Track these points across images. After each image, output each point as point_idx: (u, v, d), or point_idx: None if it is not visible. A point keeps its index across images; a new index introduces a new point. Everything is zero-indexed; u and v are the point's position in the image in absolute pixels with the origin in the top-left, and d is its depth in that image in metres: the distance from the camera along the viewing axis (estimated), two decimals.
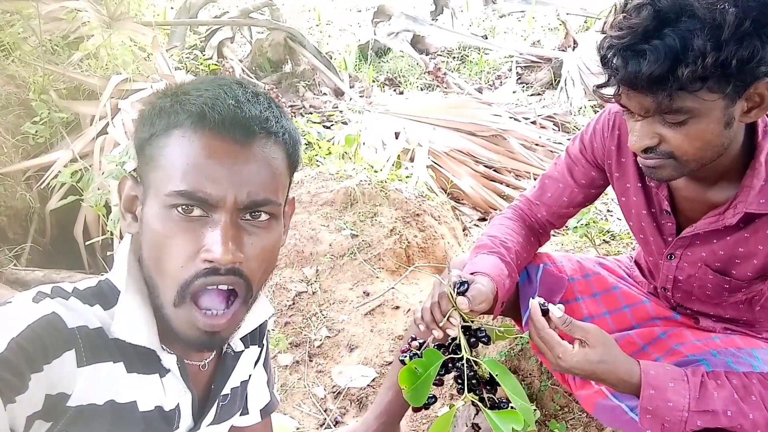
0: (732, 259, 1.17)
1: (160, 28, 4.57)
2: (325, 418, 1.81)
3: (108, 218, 2.54)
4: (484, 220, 3.51)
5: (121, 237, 2.68)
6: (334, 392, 1.89)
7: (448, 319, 1.10)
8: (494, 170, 3.91)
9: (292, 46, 5.15)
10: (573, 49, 5.36)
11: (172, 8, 6.49)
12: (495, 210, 3.55)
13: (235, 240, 0.72)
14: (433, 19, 6.02)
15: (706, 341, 1.31)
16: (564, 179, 1.42)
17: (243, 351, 0.96)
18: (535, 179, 3.91)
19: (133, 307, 0.77)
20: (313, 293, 2.21)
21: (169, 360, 0.81)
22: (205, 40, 5.29)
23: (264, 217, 0.75)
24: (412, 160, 3.73)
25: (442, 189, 3.55)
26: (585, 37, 5.61)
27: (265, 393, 1.09)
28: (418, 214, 2.47)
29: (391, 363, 1.95)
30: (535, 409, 1.68)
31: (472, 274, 1.25)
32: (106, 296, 0.78)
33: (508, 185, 3.79)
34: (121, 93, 3.49)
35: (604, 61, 1.00)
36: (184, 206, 0.71)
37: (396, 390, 1.54)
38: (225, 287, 0.74)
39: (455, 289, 1.12)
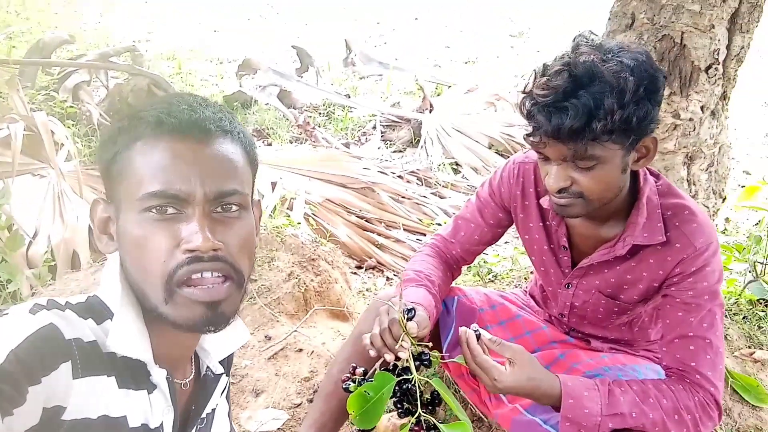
0: (621, 285, 1.40)
1: (11, 67, 4.24)
2: None
3: None
4: (360, 268, 3.64)
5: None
6: None
7: (400, 344, 1.19)
8: (366, 220, 4.09)
9: (155, 92, 5.02)
10: (429, 112, 5.82)
11: (14, 47, 6.04)
12: (370, 258, 3.71)
13: (211, 229, 0.77)
14: (299, 76, 6.21)
15: (597, 359, 1.53)
16: (475, 219, 1.60)
17: (222, 374, 0.97)
18: (404, 230, 4.17)
19: (127, 321, 0.79)
20: None
21: (159, 374, 0.82)
22: (59, 83, 4.97)
23: (234, 208, 0.81)
24: (290, 208, 3.79)
25: (321, 238, 3.63)
26: (438, 101, 6.12)
27: (227, 423, 1.09)
28: (313, 259, 2.54)
29: (300, 405, 1.96)
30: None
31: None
32: (97, 311, 0.79)
33: (379, 234, 3.98)
34: None
35: (529, 116, 1.20)
36: (157, 207, 0.76)
37: (317, 427, 1.53)
38: (210, 274, 0.77)
39: (405, 316, 1.22)
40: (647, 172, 1.35)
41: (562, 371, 1.53)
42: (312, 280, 2.45)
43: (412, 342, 1.21)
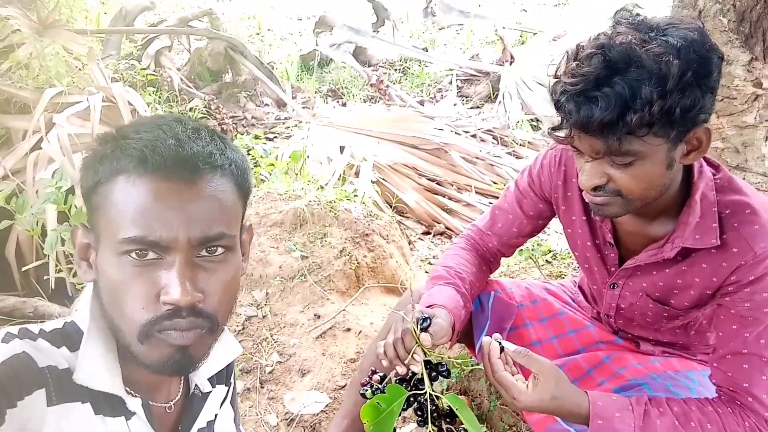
0: (671, 290, 1.25)
1: (95, 37, 4.41)
2: None
3: (44, 241, 2.44)
4: (428, 233, 3.57)
5: (59, 261, 2.58)
6: (287, 419, 1.88)
7: (412, 356, 1.13)
8: (437, 183, 3.98)
9: (232, 55, 5.07)
10: (510, 64, 5.52)
11: (105, 13, 6.28)
12: (438, 223, 3.62)
13: (192, 279, 0.72)
14: (374, 31, 6.07)
15: (647, 364, 1.40)
16: (513, 211, 1.47)
17: (211, 392, 0.96)
18: (476, 192, 4.03)
19: (94, 353, 0.77)
20: (264, 317, 2.19)
21: (134, 403, 0.81)
22: (142, 49, 5.14)
23: (220, 251, 0.76)
24: (357, 174, 3.76)
25: (387, 203, 3.58)
26: (521, 51, 5.78)
27: (233, 430, 1.09)
28: (367, 234, 2.50)
29: (344, 387, 1.96)
30: (485, 431, 1.74)
31: (429, 306, 1.28)
32: (71, 338, 0.79)
33: (450, 198, 3.86)
34: (56, 106, 3.35)
35: (558, 106, 1.06)
36: (137, 251, 0.71)
37: (351, 418, 1.55)
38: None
39: (418, 326, 1.15)
40: (703, 164, 1.17)
41: (606, 376, 1.42)
42: (365, 257, 2.42)
43: (426, 353, 1.14)
